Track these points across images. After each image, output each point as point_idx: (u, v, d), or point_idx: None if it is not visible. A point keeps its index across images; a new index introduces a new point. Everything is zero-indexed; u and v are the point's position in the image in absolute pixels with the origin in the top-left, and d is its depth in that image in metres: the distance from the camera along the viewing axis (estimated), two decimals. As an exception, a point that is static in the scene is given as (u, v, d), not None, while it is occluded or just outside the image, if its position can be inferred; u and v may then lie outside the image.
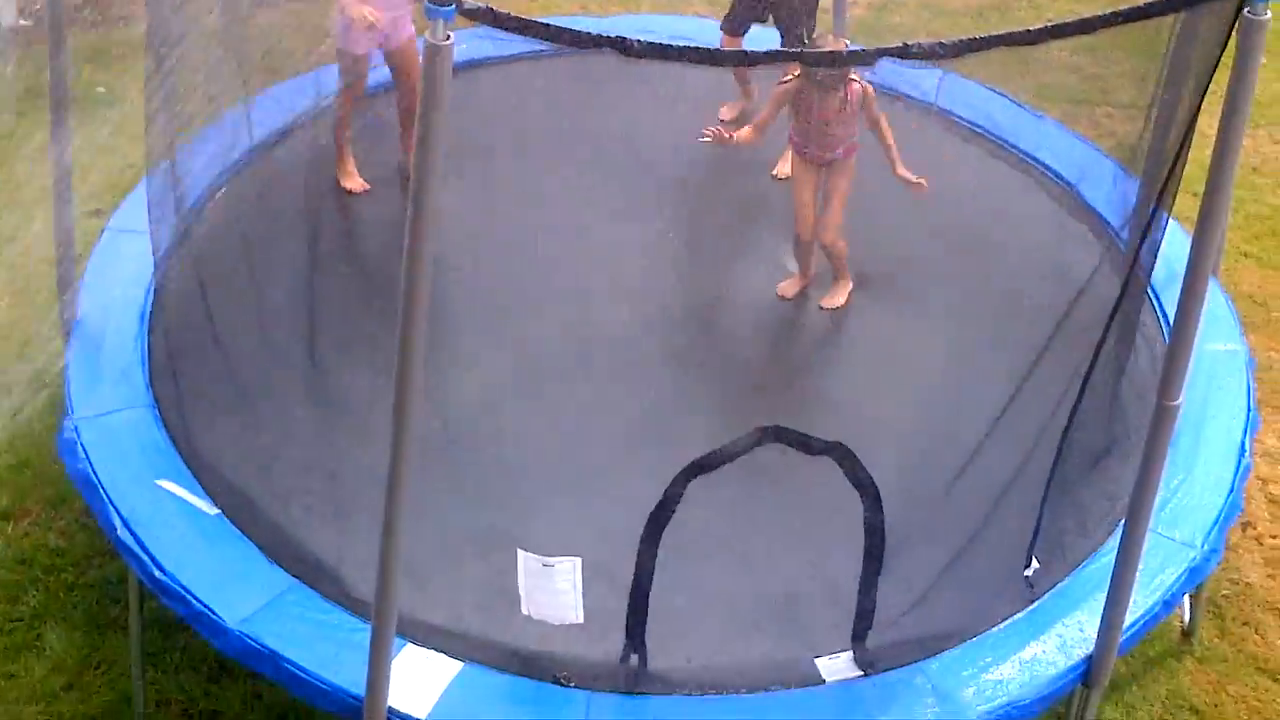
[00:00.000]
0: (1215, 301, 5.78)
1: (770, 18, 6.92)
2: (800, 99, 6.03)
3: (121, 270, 5.78)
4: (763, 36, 6.95)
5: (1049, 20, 8.49)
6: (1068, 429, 4.85)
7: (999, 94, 7.23)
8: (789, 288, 6.31)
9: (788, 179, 6.41)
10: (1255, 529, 6.19)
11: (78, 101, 5.90)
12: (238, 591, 4.67)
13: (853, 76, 5.95)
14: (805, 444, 4.64)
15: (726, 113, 6.95)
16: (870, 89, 6.00)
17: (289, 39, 6.41)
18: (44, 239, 6.06)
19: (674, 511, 4.45)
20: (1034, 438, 5.11)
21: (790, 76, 6.01)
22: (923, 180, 6.10)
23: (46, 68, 8.39)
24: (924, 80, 7.01)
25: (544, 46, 6.84)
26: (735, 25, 7.03)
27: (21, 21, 8.84)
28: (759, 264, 6.47)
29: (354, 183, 6.49)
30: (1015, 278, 6.16)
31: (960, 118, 7.09)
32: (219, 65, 5.66)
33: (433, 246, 3.70)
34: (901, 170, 6.09)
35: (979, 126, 7.06)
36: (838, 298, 6.25)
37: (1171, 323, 4.55)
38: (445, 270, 6.14)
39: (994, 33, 3.95)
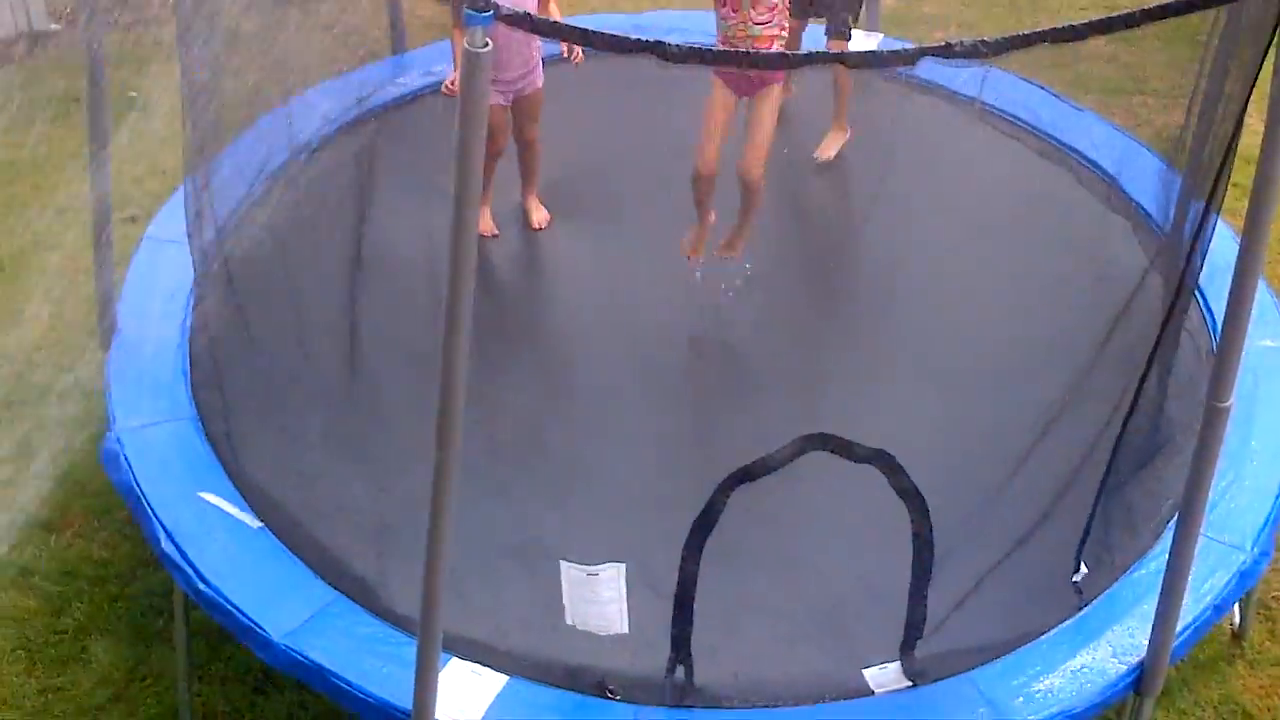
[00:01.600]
0: (1260, 296, 5.71)
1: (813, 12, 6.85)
2: None
3: (161, 280, 5.78)
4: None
5: (1083, 8, 8.45)
6: (1122, 432, 4.79)
7: (1038, 86, 7.16)
8: (688, 245, 6.23)
9: (829, 161, 6.34)
10: (1305, 528, 6.12)
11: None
12: (283, 605, 4.67)
13: None
14: (849, 451, 4.59)
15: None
16: None
17: (326, 41, 6.39)
18: (81, 247, 6.08)
19: (717, 521, 4.41)
20: (1083, 441, 5.07)
21: None
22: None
23: (78, 72, 8.43)
24: (964, 73, 6.97)
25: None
26: None
27: (53, 25, 8.85)
28: (796, 274, 6.44)
29: (485, 225, 6.44)
30: (1059, 275, 6.10)
31: (1002, 111, 7.04)
32: (255, 68, 5.64)
33: (474, 259, 3.67)
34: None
35: (1020, 120, 7.00)
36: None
37: (1218, 320, 4.49)
38: (488, 284, 6.20)
39: (1037, 29, 3.91)
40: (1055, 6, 9.21)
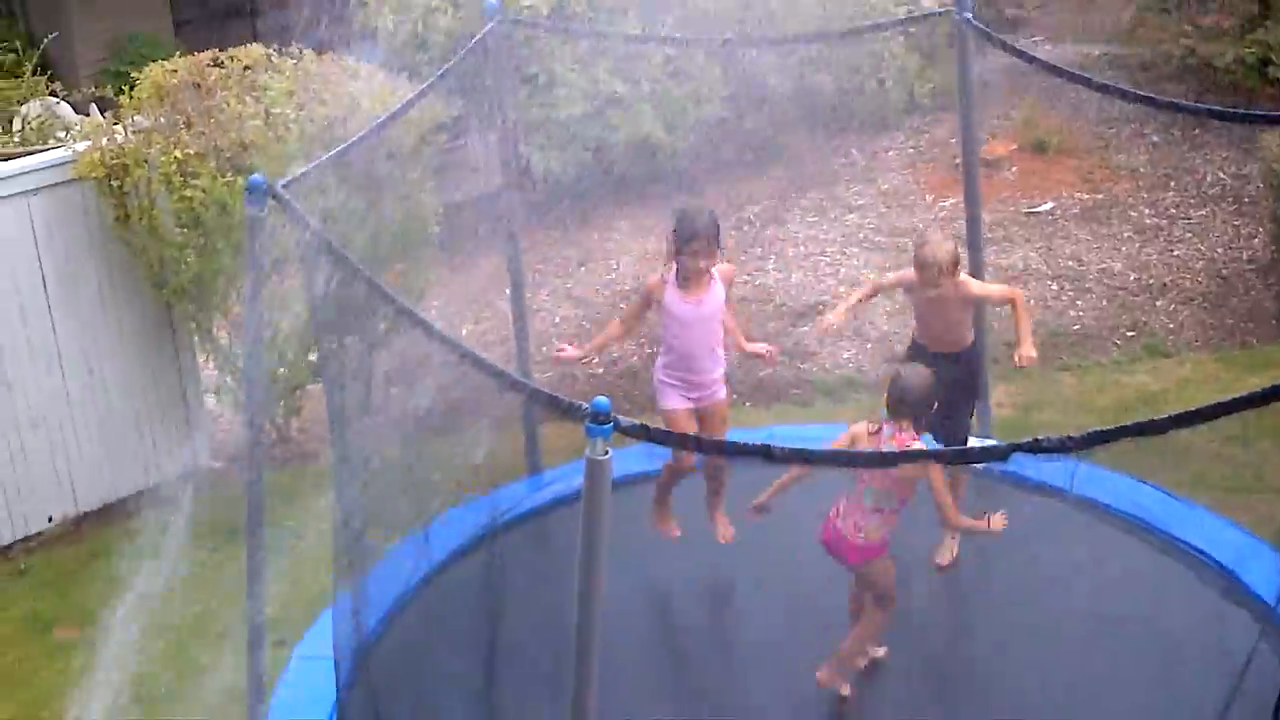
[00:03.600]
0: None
1: None
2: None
3: (306, 696, 6.06)
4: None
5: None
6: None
7: (1142, 483, 7.38)
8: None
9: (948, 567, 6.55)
10: None
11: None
12: None
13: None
14: None
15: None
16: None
17: (465, 468, 6.84)
18: (236, 672, 6.41)
19: None
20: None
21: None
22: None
23: (235, 507, 9.00)
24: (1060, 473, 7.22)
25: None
26: None
27: (214, 464, 9.50)
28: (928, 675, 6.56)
29: (669, 528, 6.77)
30: (1173, 662, 6.17)
31: (1109, 506, 7.24)
32: (399, 493, 6.07)
33: (598, 643, 3.93)
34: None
35: (1127, 514, 7.19)
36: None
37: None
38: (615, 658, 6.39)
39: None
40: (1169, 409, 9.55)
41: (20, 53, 13.19)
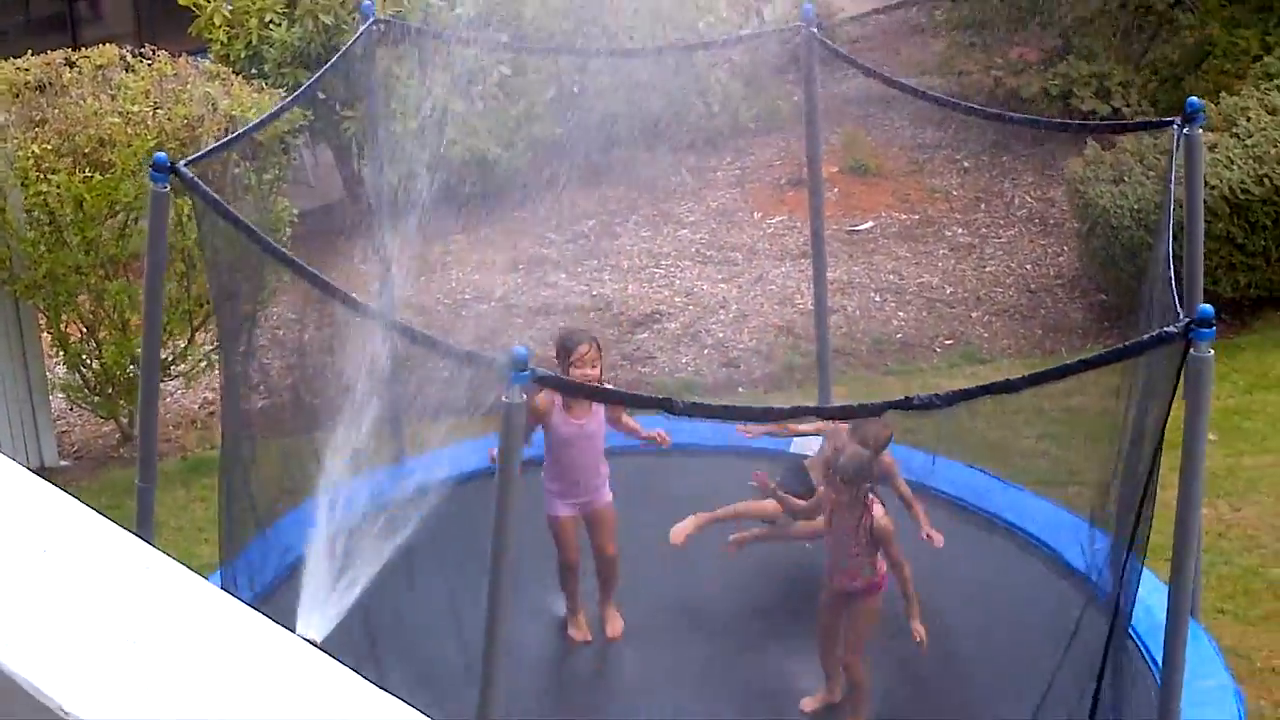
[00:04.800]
0: (1199, 642, 6.30)
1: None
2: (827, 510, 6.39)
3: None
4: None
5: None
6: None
7: (981, 471, 7.92)
8: (810, 702, 6.51)
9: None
10: None
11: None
12: None
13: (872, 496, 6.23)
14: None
15: None
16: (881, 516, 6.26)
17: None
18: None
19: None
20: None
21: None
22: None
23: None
24: (915, 461, 7.70)
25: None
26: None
27: (62, 462, 9.49)
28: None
29: (579, 632, 6.88)
30: (1015, 633, 6.67)
31: (949, 494, 7.75)
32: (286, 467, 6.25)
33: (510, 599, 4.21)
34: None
35: (964, 500, 7.71)
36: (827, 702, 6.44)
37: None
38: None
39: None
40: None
41: None
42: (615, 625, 6.90)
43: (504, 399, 4.15)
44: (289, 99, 7.24)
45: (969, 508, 7.73)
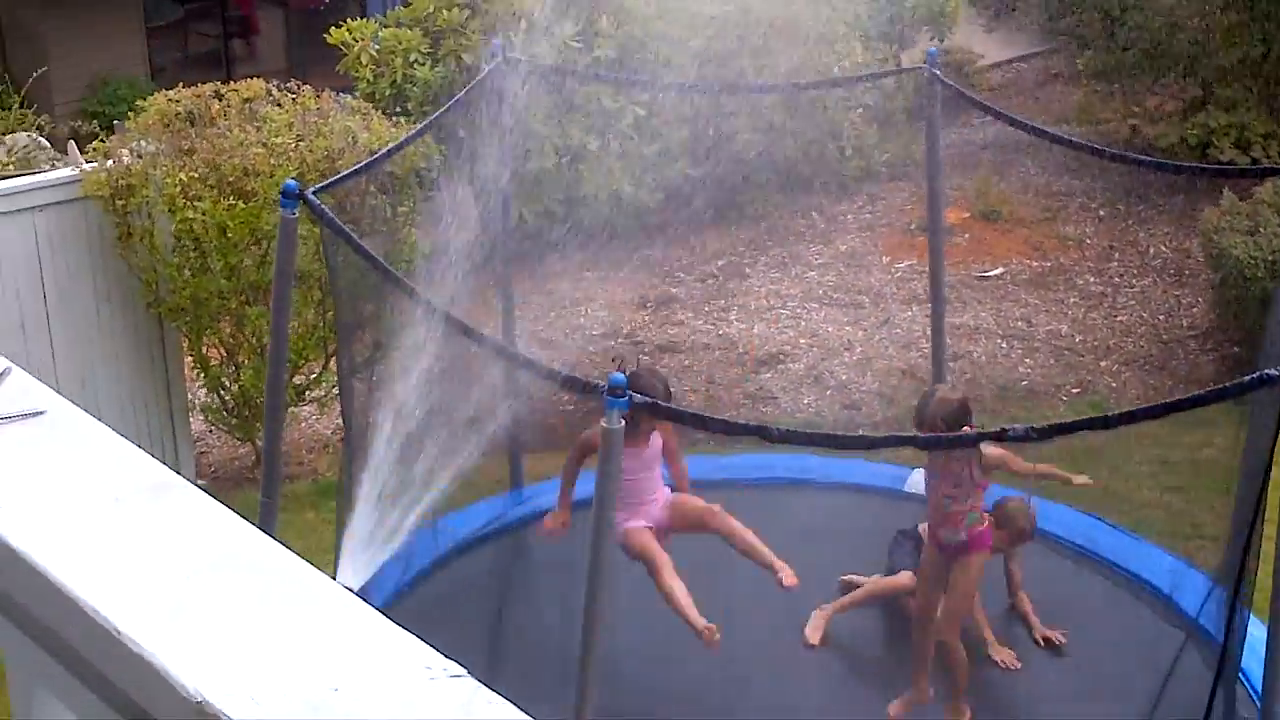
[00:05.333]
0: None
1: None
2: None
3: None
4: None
5: (1138, 462, 9.07)
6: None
7: (1096, 519, 7.88)
8: (898, 707, 6.40)
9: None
10: None
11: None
12: None
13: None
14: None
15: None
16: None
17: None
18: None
19: None
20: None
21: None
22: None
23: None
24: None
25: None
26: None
27: (199, 482, 9.82)
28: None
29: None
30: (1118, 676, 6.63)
31: (1060, 538, 7.71)
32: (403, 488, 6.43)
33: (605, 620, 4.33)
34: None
35: (1078, 546, 7.67)
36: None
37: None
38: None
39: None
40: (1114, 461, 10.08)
41: (7, 83, 13.56)
42: (789, 576, 6.36)
43: (603, 424, 4.28)
44: (414, 131, 7.47)
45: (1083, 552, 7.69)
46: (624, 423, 6.14)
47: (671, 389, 6.41)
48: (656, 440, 6.40)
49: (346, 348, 6.39)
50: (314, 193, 5.63)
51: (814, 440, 4.38)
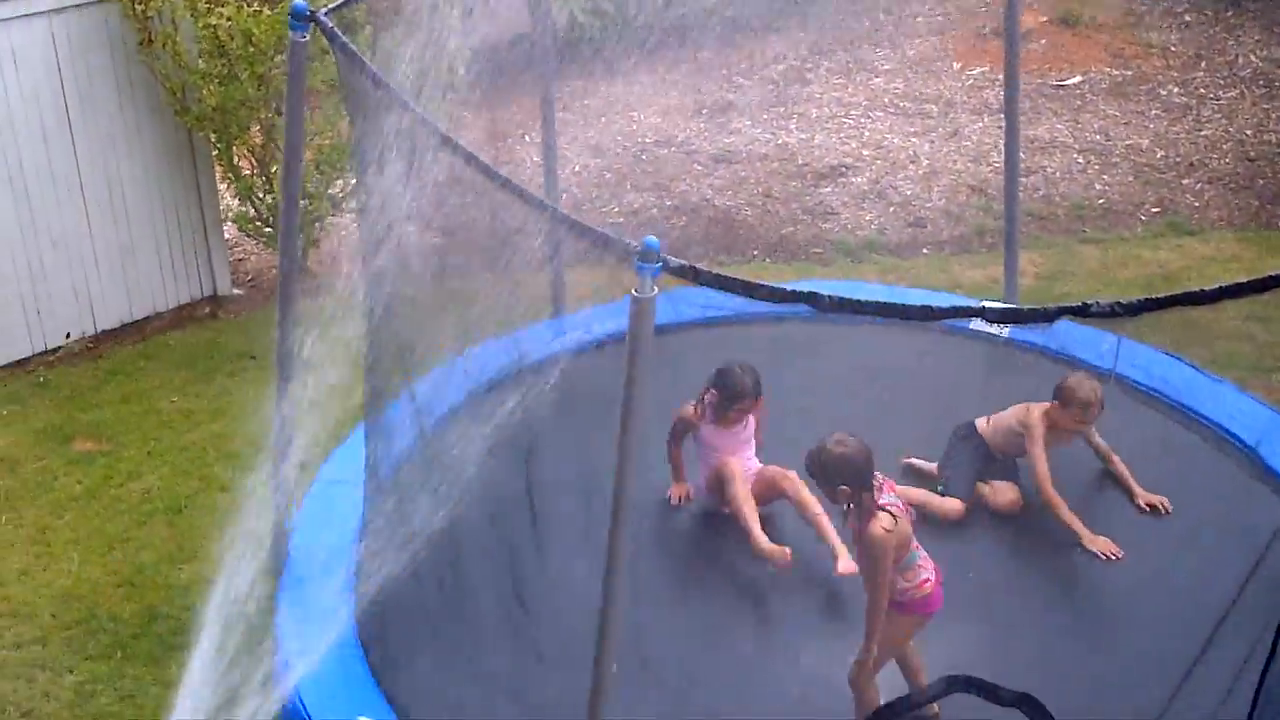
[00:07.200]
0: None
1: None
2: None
3: (332, 518, 6.12)
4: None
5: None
6: (1257, 694, 4.84)
7: (1175, 358, 7.38)
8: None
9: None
10: None
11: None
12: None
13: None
14: (994, 694, 4.69)
15: None
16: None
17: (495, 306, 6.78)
18: (252, 490, 6.45)
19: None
20: (1220, 696, 5.12)
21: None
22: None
23: (254, 333, 8.94)
24: (1101, 344, 7.21)
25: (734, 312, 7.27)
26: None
27: (235, 290, 9.49)
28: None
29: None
30: (1198, 540, 6.20)
31: (1138, 383, 7.23)
32: (430, 326, 6.04)
33: (632, 493, 3.95)
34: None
35: (1156, 391, 7.18)
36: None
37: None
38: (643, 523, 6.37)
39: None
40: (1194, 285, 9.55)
41: None
42: (846, 563, 5.91)
43: (634, 292, 3.84)
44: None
45: (1159, 397, 7.20)
46: (715, 400, 5.92)
47: (760, 375, 6.27)
48: (751, 423, 6.44)
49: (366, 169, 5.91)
50: (325, 13, 5.11)
51: (869, 309, 3.89)
